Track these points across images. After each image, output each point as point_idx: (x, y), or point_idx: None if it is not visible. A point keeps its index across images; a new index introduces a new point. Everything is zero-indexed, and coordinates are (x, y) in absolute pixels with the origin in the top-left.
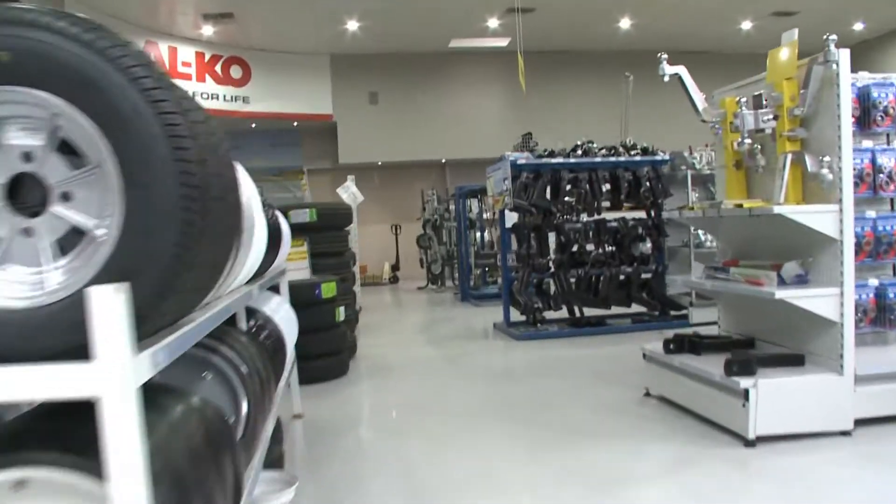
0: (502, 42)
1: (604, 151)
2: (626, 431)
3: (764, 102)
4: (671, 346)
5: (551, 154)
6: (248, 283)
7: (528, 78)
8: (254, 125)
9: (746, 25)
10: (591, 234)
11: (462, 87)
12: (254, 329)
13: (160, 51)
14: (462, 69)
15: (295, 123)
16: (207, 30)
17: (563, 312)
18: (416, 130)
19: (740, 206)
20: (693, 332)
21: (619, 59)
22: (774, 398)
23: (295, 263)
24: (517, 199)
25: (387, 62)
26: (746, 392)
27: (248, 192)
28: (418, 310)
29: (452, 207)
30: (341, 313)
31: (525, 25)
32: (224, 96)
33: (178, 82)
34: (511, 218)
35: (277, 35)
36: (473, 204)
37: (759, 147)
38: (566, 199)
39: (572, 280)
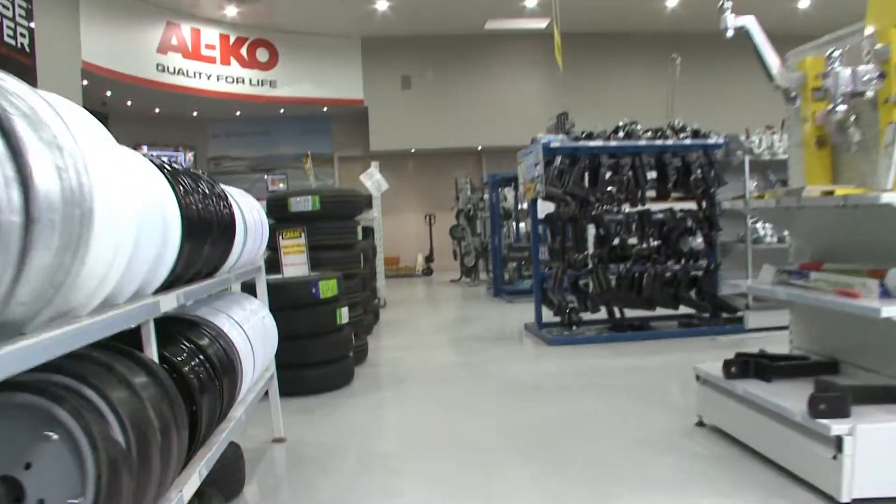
0: (541, 23)
1: (649, 134)
2: (674, 479)
3: (864, 57)
4: (733, 370)
5: (589, 136)
6: (164, 289)
7: (568, 61)
8: (283, 110)
9: (804, 4)
10: (633, 226)
11: (499, 71)
12: (184, 352)
13: (182, 33)
14: (499, 52)
15: (325, 109)
16: (232, 10)
17: (601, 313)
18: (450, 116)
19: (830, 193)
20: (760, 352)
21: (664, 40)
22: (879, 449)
23: (291, 258)
24: (550, 187)
25: (420, 45)
26: (839, 440)
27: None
28: (447, 305)
29: (487, 197)
30: (344, 315)
31: (564, 5)
32: (250, 80)
33: (201, 66)
34: (544, 208)
35: (305, 16)
36: (508, 194)
37: (854, 117)
38: (606, 187)
39: (612, 278)
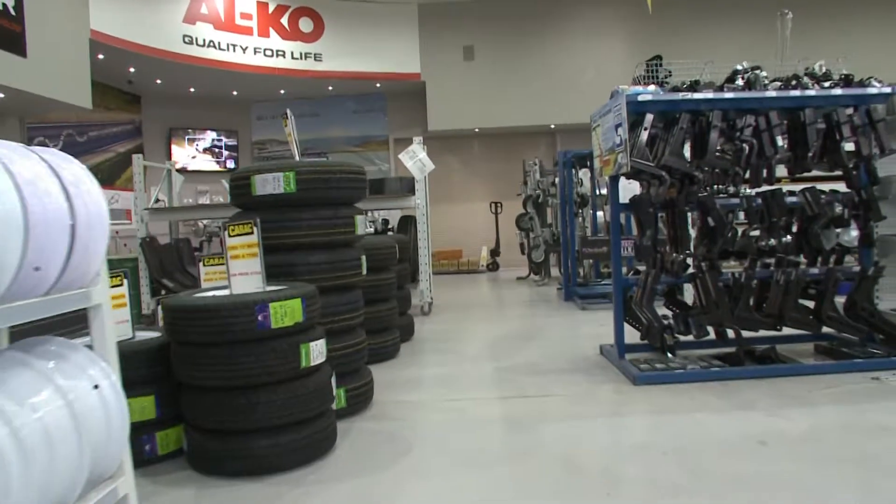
0: None
1: (778, 84)
2: None
3: None
4: None
5: (693, 86)
6: None
7: (657, 23)
8: (331, 88)
9: None
10: (756, 214)
11: (575, 40)
12: None
13: (213, 1)
14: (575, 15)
15: (378, 85)
16: None
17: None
18: (519, 91)
19: None
20: None
21: None
22: None
23: (241, 264)
24: (638, 160)
25: (484, 11)
26: None
27: None
28: (506, 312)
29: (559, 180)
30: (315, 352)
31: None
32: (292, 53)
33: (236, 38)
34: (628, 189)
35: None
36: (584, 176)
37: None
38: (717, 159)
39: (723, 286)
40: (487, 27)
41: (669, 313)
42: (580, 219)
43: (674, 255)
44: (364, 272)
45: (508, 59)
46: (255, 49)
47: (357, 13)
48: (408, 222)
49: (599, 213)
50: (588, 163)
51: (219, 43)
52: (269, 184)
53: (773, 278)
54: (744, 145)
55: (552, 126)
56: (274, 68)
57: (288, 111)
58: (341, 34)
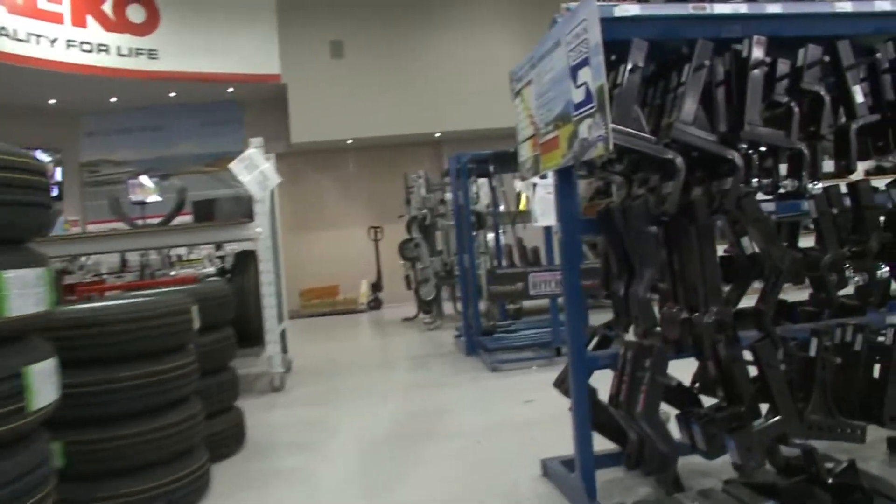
0: None
1: None
2: None
3: None
4: None
5: None
6: None
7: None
8: (173, 94)
9: None
10: (824, 219)
11: (462, 31)
12: None
13: None
14: (462, 5)
15: (230, 89)
16: None
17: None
18: (398, 93)
19: None
20: None
21: None
22: None
23: None
24: (622, 128)
25: (354, 0)
26: None
27: None
28: (389, 380)
29: (451, 196)
30: None
31: None
32: (119, 49)
33: (39, 26)
34: (545, 201)
35: None
36: (482, 189)
37: None
38: (763, 127)
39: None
40: (359, 18)
41: (686, 419)
42: (477, 244)
43: (682, 313)
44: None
45: (385, 56)
46: (67, 42)
47: (201, 2)
48: (247, 260)
49: (503, 236)
50: (490, 171)
51: (15, 31)
52: None
53: (861, 345)
54: (798, 104)
55: (437, 135)
56: (94, 67)
57: None
58: (181, 27)
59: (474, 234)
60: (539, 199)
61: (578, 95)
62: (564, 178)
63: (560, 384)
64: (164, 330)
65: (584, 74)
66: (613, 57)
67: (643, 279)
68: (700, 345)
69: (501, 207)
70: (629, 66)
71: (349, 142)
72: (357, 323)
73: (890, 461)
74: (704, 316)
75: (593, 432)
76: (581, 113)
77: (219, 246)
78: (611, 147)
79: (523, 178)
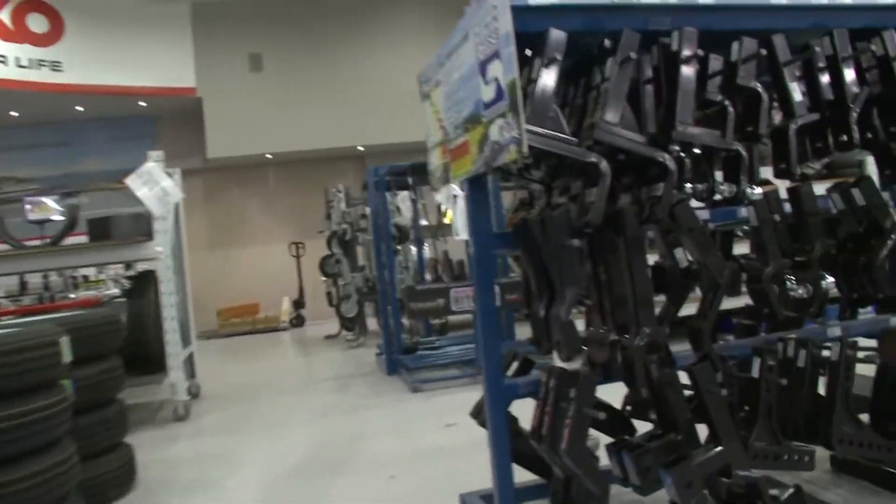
0: None
1: None
2: None
3: None
4: None
5: None
6: None
7: None
8: (80, 108)
9: None
10: (766, 227)
11: (384, 44)
12: None
13: None
14: (383, 18)
15: (142, 103)
16: None
17: None
18: (319, 107)
19: None
20: None
21: None
22: None
23: None
24: (537, 128)
25: (273, 12)
26: None
27: None
28: (306, 403)
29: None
30: None
31: None
32: (18, 60)
33: None
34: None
35: None
36: (403, 203)
37: None
38: (696, 127)
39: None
40: (278, 31)
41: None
42: (400, 258)
43: (607, 335)
44: None
45: (305, 69)
46: None
47: (109, 12)
48: (147, 282)
49: (427, 250)
50: (410, 183)
51: None
52: None
53: (805, 361)
54: (756, 99)
55: (360, 148)
56: None
57: None
58: (88, 37)
59: (398, 247)
60: (461, 212)
61: (488, 93)
62: (476, 188)
63: (477, 414)
64: (24, 367)
65: (495, 69)
66: (530, 52)
67: (565, 299)
68: (631, 369)
69: (425, 221)
70: (545, 60)
71: (269, 156)
72: (277, 342)
73: (835, 481)
74: (635, 337)
75: (517, 464)
76: (492, 113)
77: (128, 265)
78: (524, 150)
79: (434, 189)
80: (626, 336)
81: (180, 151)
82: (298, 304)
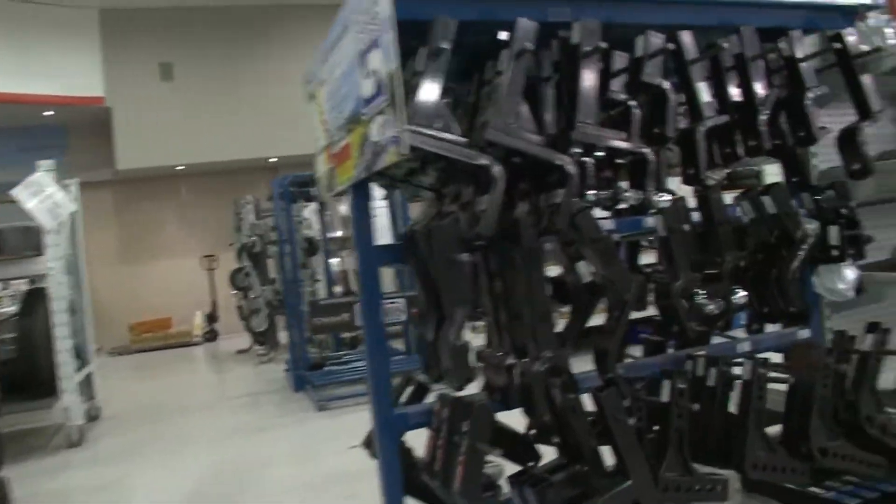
0: None
1: None
2: None
3: None
4: None
5: None
6: None
7: None
8: None
9: None
10: (675, 238)
11: (298, 55)
12: None
13: None
14: (295, 28)
15: (48, 112)
16: None
17: None
18: (232, 118)
19: None
20: None
21: None
22: None
23: None
24: (421, 128)
25: (185, 21)
26: None
27: None
28: (210, 424)
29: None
30: None
31: None
32: None
33: None
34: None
35: None
36: (313, 214)
37: None
38: (598, 128)
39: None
40: (189, 41)
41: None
42: (310, 271)
43: (505, 358)
44: None
45: (217, 79)
46: None
47: (12, 16)
48: (36, 299)
49: (334, 261)
50: (311, 192)
51: None
52: None
53: (716, 380)
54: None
55: (274, 159)
56: None
57: None
58: None
59: (307, 260)
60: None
61: (368, 88)
62: (360, 195)
63: (369, 444)
64: None
65: (374, 59)
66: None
67: (454, 320)
68: (530, 396)
69: (340, 232)
70: (429, 49)
71: (181, 168)
72: (189, 357)
73: (746, 502)
74: (534, 361)
75: (413, 498)
76: (372, 110)
77: (33, 281)
78: (405, 151)
79: (325, 199)
80: (525, 359)
81: (91, 162)
82: (212, 318)
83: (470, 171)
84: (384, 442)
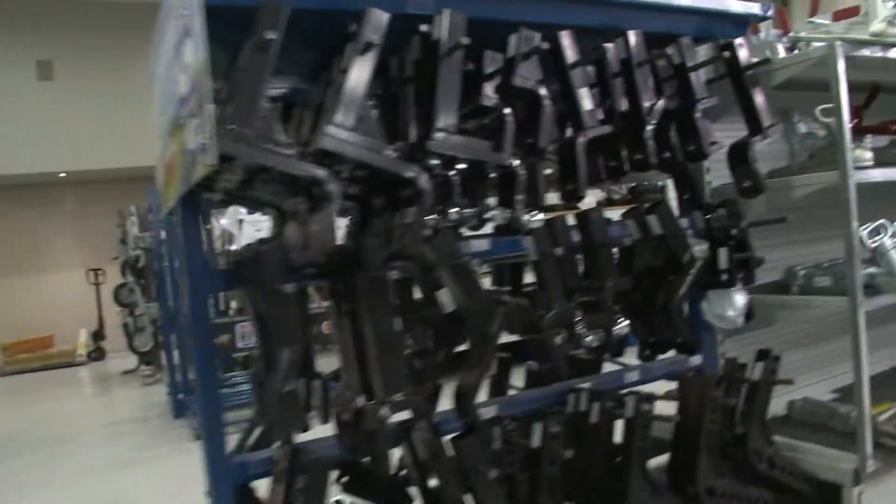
0: None
1: None
2: None
3: None
4: None
5: None
6: None
7: None
8: None
9: None
10: (547, 262)
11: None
12: None
13: None
14: None
15: None
16: None
17: None
18: (119, 122)
19: None
20: None
21: None
22: None
23: None
24: (240, 134)
25: (67, 15)
26: None
27: None
28: (64, 458)
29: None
30: None
31: None
32: None
33: None
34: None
35: None
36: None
37: None
38: (449, 139)
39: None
40: (71, 37)
41: None
42: None
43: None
44: None
45: (102, 80)
46: None
47: None
48: None
49: None
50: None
51: None
52: None
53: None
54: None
55: None
56: None
57: None
58: None
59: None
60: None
61: (184, 86)
62: (188, 211)
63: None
64: None
65: (188, 52)
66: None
67: (279, 363)
68: (372, 445)
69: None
70: (251, 41)
71: (62, 175)
72: (70, 380)
73: None
74: (380, 405)
75: None
76: (187, 112)
77: None
78: (212, 160)
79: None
80: (371, 404)
81: None
82: (98, 335)
83: (305, 187)
84: (218, 493)
